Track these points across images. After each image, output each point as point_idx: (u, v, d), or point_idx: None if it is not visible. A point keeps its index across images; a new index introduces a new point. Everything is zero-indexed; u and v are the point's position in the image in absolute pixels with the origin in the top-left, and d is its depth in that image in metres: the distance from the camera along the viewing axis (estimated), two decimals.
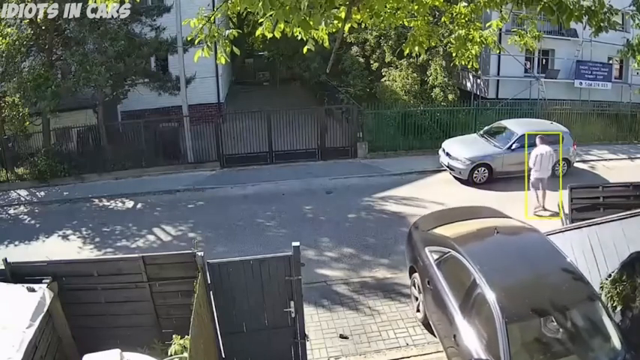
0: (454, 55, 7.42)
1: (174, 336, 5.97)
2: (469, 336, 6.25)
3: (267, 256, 6.55)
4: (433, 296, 7.39)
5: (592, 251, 7.62)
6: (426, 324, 7.98)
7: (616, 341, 6.00)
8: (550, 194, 13.09)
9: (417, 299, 8.27)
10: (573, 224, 8.57)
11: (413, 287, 8.44)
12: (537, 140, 12.67)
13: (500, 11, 6.89)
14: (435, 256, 7.63)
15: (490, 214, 8.73)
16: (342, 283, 9.68)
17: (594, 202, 9.39)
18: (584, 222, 8.13)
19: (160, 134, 16.54)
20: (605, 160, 16.19)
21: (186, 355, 5.39)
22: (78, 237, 11.98)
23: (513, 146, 14.14)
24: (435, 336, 7.68)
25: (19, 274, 6.20)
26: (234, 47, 5.59)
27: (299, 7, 4.54)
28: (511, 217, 8.61)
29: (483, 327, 6.13)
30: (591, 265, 7.53)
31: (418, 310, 8.26)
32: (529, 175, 12.56)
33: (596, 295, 6.41)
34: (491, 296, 6.09)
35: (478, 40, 7.10)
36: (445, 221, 8.50)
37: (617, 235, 7.23)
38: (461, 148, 14.46)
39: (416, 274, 8.19)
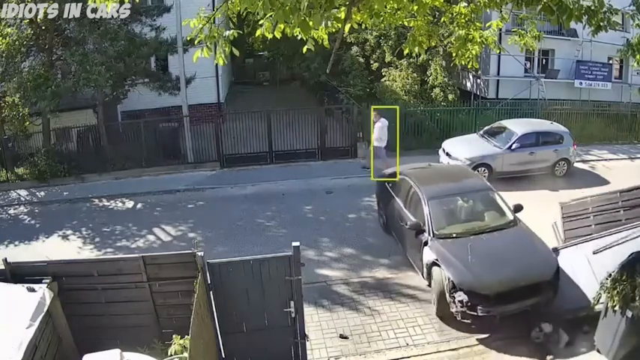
0: (454, 55, 7.43)
1: (174, 336, 5.98)
2: (409, 214, 9.72)
3: (267, 256, 6.56)
4: (390, 207, 10.86)
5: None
6: (388, 231, 11.17)
7: (508, 214, 9.32)
8: (549, 194, 13.15)
9: (381, 216, 11.71)
10: (570, 242, 8.96)
11: (378, 209, 11.95)
12: (375, 116, 14.69)
13: (500, 11, 6.89)
14: (392, 184, 11.10)
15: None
16: (342, 283, 9.68)
17: (584, 213, 9.66)
18: (578, 239, 8.77)
19: (159, 134, 16.52)
20: (605, 160, 16.17)
21: (186, 355, 5.40)
22: (78, 237, 11.98)
23: (513, 146, 14.14)
24: (392, 237, 10.86)
25: (19, 274, 6.21)
26: (233, 48, 5.59)
27: (299, 8, 4.54)
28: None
29: (416, 208, 9.52)
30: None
31: (383, 226, 11.56)
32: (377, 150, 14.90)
33: (493, 189, 9.92)
34: (420, 190, 9.61)
35: (478, 40, 7.10)
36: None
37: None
38: (461, 148, 14.45)
39: (379, 201, 11.88)
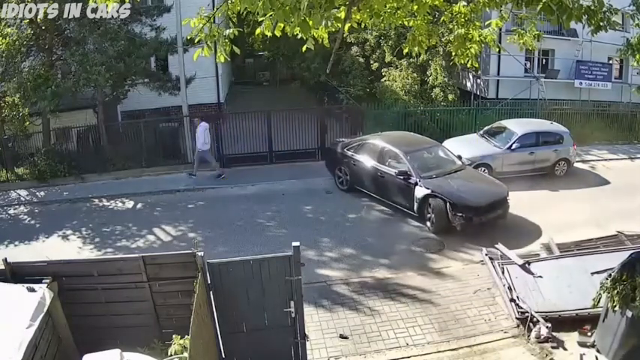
0: (454, 54, 7.42)
1: (174, 336, 5.97)
2: (390, 169, 12.25)
3: (267, 256, 6.56)
4: (356, 168, 13.22)
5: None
6: (351, 189, 13.43)
7: (457, 160, 12.78)
8: (550, 194, 13.14)
9: (343, 183, 13.65)
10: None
11: (339, 176, 13.77)
12: (197, 120, 15.00)
13: (500, 11, 6.89)
14: (354, 150, 13.42)
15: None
16: (342, 283, 9.67)
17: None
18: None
19: (159, 134, 16.52)
20: (605, 160, 16.17)
21: (186, 355, 5.39)
22: (78, 237, 11.96)
23: (513, 146, 14.14)
24: (359, 188, 13.30)
25: (19, 274, 6.20)
26: (234, 46, 5.59)
27: (299, 8, 4.53)
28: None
29: (394, 162, 12.35)
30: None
31: (345, 187, 13.61)
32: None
33: (441, 145, 13.65)
34: (395, 149, 12.50)
35: (477, 39, 7.10)
36: (357, 139, 14.36)
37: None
38: (461, 148, 14.42)
39: (340, 167, 13.70)
